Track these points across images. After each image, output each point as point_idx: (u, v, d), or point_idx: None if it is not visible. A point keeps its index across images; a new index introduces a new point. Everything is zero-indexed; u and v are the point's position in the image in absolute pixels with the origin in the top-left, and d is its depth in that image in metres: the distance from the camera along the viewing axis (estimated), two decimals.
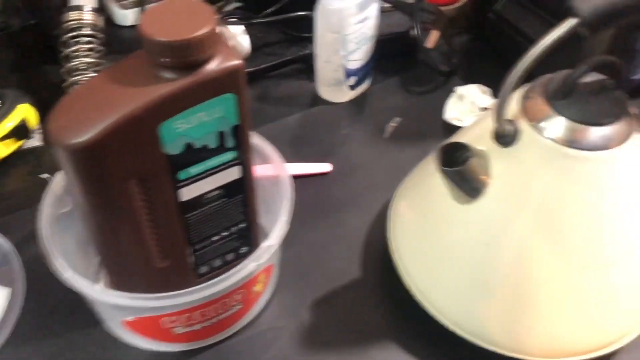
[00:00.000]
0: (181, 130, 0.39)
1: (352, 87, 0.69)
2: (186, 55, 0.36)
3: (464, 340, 0.46)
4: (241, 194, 0.46)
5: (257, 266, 0.43)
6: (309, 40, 0.74)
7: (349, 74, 0.67)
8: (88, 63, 0.61)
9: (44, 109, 0.64)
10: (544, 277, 0.42)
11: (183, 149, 0.40)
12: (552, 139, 0.40)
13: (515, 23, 0.68)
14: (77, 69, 0.61)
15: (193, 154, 0.41)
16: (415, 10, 0.70)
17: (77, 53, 0.61)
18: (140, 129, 0.37)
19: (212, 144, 0.41)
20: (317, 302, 0.52)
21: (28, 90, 0.64)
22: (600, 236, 0.41)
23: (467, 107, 0.66)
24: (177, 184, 0.42)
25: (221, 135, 0.41)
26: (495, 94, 0.67)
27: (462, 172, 0.41)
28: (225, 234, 0.48)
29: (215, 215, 0.46)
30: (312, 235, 0.56)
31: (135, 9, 0.79)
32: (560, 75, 0.41)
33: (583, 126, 0.39)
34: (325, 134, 0.66)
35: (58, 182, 0.47)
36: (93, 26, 0.62)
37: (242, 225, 0.49)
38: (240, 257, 0.52)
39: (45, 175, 0.53)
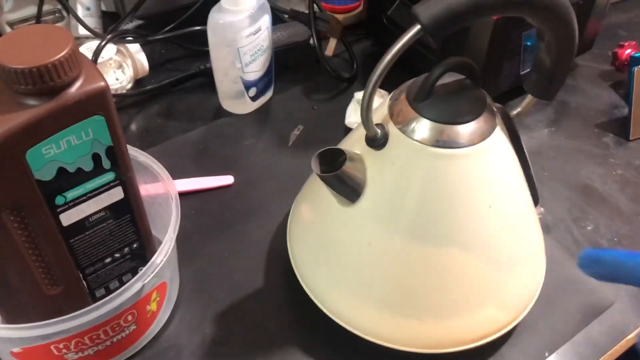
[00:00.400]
0: (50, 156, 0.39)
1: (254, 99, 0.69)
2: (44, 81, 0.36)
3: (360, 338, 0.47)
4: (128, 214, 0.46)
5: (144, 285, 0.42)
6: (209, 54, 0.74)
7: (247, 85, 0.67)
8: None
9: None
10: (424, 270, 0.44)
11: (55, 174, 0.40)
12: (418, 140, 0.41)
13: (407, 26, 0.70)
14: None
15: (68, 179, 0.41)
16: (311, 19, 0.71)
17: None
18: (4, 157, 0.37)
19: (87, 166, 0.41)
20: (221, 316, 0.52)
21: None
22: (473, 225, 0.43)
23: None
24: (56, 210, 0.41)
25: (96, 157, 0.41)
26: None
27: (339, 176, 0.43)
28: (118, 255, 0.48)
29: (103, 238, 0.46)
30: (214, 249, 0.57)
31: None
32: (420, 79, 0.43)
33: (445, 125, 0.41)
34: (228, 146, 0.67)
35: None
36: None
37: (135, 245, 0.49)
38: None
39: None
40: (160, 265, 0.43)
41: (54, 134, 0.38)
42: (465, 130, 0.41)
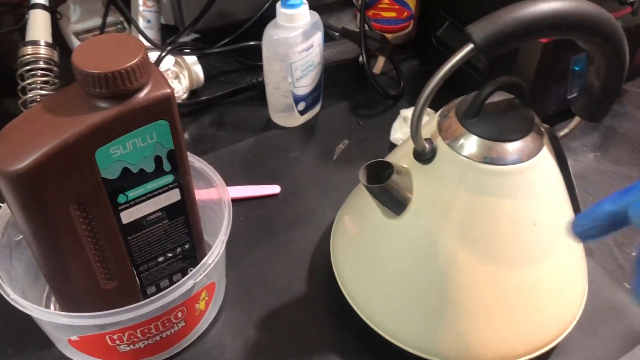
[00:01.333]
0: (117, 156, 0.41)
1: (302, 112, 0.72)
2: (117, 86, 0.39)
3: (398, 348, 0.48)
4: (183, 215, 0.49)
5: (195, 283, 0.44)
6: (261, 68, 0.77)
7: (297, 99, 0.69)
8: (42, 95, 0.64)
9: None
10: (468, 285, 0.45)
11: (120, 173, 0.42)
12: (466, 156, 0.43)
13: (456, 47, 0.71)
14: (33, 101, 0.64)
15: (131, 178, 0.43)
16: (361, 38, 0.73)
17: (32, 86, 0.64)
18: (76, 155, 0.40)
19: (149, 168, 0.44)
20: (263, 319, 0.53)
21: None
22: (517, 242, 0.44)
23: None
24: (117, 208, 0.44)
25: (158, 159, 0.44)
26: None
27: (385, 188, 0.44)
28: (170, 255, 0.50)
29: (159, 237, 0.48)
30: (259, 254, 0.59)
31: None
32: (470, 96, 0.44)
33: (493, 142, 0.42)
34: (276, 157, 0.69)
35: (7, 210, 0.49)
36: (48, 60, 0.64)
37: (187, 246, 0.51)
38: None
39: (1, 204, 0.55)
40: (211, 265, 0.45)
41: (121, 135, 0.41)
42: (513, 148, 0.42)
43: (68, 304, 0.49)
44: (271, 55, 0.66)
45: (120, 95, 0.39)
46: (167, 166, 0.45)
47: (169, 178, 0.45)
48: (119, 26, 0.84)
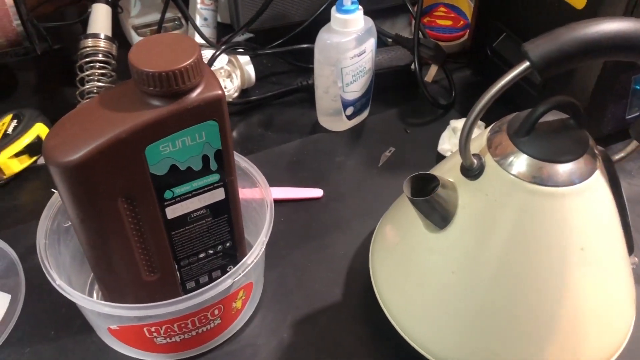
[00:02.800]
0: (166, 153, 0.42)
1: (350, 117, 0.71)
2: (170, 85, 0.39)
3: None
4: (226, 214, 0.49)
5: (234, 282, 0.45)
6: (312, 71, 0.77)
7: (346, 104, 0.69)
8: (99, 87, 0.66)
9: None
10: (507, 306, 0.44)
11: (168, 170, 0.43)
12: (515, 175, 0.42)
13: (511, 60, 0.70)
14: (90, 92, 0.66)
15: (178, 175, 0.44)
16: (415, 45, 0.73)
17: (90, 77, 0.66)
18: (126, 150, 0.41)
19: (196, 166, 0.44)
20: (298, 322, 0.54)
21: (46, 111, 0.69)
22: (562, 266, 0.43)
23: None
24: (163, 203, 0.45)
25: (205, 158, 0.44)
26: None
27: (430, 201, 0.43)
28: (211, 252, 0.51)
29: (201, 234, 0.49)
30: (298, 257, 0.59)
31: None
32: (523, 114, 0.43)
33: (544, 163, 0.41)
34: (321, 160, 0.69)
35: (58, 197, 0.51)
36: (107, 53, 0.66)
37: (228, 244, 0.52)
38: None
39: (54, 190, 0.57)
40: (251, 266, 0.46)
41: (172, 133, 0.41)
42: (565, 169, 0.41)
43: (110, 293, 0.50)
44: (323, 59, 0.66)
45: (173, 95, 0.40)
46: (213, 165, 0.45)
47: (215, 177, 0.46)
48: (176, 22, 0.86)
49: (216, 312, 0.47)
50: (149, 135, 0.41)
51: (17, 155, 0.64)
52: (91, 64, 0.66)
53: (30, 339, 0.52)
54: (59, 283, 0.44)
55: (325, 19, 0.66)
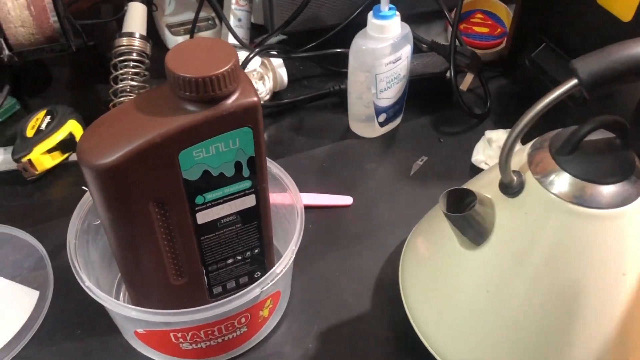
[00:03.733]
0: (199, 159, 0.42)
1: (382, 124, 0.70)
2: (206, 91, 0.39)
3: None
4: (256, 221, 0.49)
5: (262, 291, 0.44)
6: (345, 75, 0.76)
7: (379, 111, 0.68)
8: (132, 86, 0.66)
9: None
10: (541, 329, 0.42)
11: (200, 175, 0.43)
12: (556, 194, 0.40)
13: (550, 71, 0.68)
14: (123, 91, 0.66)
15: (210, 181, 0.44)
16: (451, 53, 0.71)
17: (124, 76, 0.66)
18: (160, 154, 0.40)
19: (229, 172, 0.44)
20: (324, 332, 0.53)
21: (79, 107, 0.69)
22: (602, 290, 0.41)
23: (495, 151, 0.67)
24: (194, 208, 0.45)
25: (238, 164, 0.44)
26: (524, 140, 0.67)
27: (466, 217, 0.42)
28: (239, 258, 0.50)
29: (230, 240, 0.49)
30: (326, 265, 0.58)
31: (186, 36, 0.83)
32: (567, 131, 0.42)
33: (587, 183, 0.40)
34: (351, 167, 0.68)
35: (88, 197, 0.51)
36: (141, 52, 0.66)
37: (257, 250, 0.51)
38: (254, 281, 0.54)
39: (85, 188, 0.57)
40: (280, 275, 0.45)
41: (206, 139, 0.41)
42: (608, 191, 0.40)
43: (138, 295, 0.50)
44: (357, 64, 0.65)
45: (208, 100, 0.40)
46: (246, 172, 0.45)
47: (246, 184, 0.45)
48: (209, 22, 0.86)
49: (243, 320, 0.47)
50: (183, 141, 0.40)
51: (49, 151, 0.64)
52: (125, 63, 0.66)
53: (57, 337, 0.52)
54: (88, 285, 0.44)
55: (358, 23, 0.65)
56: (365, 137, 0.72)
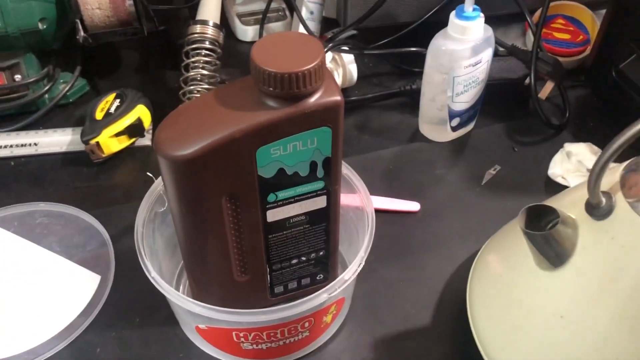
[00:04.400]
0: (276, 156, 0.40)
1: (455, 129, 0.68)
2: (291, 88, 0.37)
3: None
4: (324, 222, 0.47)
5: (329, 297, 0.43)
6: (417, 75, 0.74)
7: (452, 115, 0.66)
8: (203, 75, 0.65)
9: (158, 111, 0.68)
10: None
11: (275, 173, 0.41)
12: None
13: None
14: (193, 79, 0.65)
15: (284, 179, 0.42)
16: (532, 59, 0.68)
17: (195, 64, 0.65)
18: (238, 150, 0.39)
19: (303, 172, 0.42)
20: (385, 343, 0.51)
21: (146, 92, 0.69)
22: None
23: (574, 166, 0.63)
24: (265, 206, 0.43)
25: (313, 164, 0.42)
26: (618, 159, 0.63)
27: (546, 237, 0.40)
28: (304, 258, 0.49)
29: (297, 240, 0.47)
30: (390, 273, 0.56)
31: (255, 26, 0.82)
32: None
33: None
34: (419, 172, 0.66)
35: (159, 184, 0.50)
36: (213, 41, 0.65)
37: (322, 252, 0.50)
38: (315, 283, 0.53)
39: (150, 174, 0.57)
40: (348, 282, 0.43)
41: (285, 137, 0.40)
42: None
43: (199, 288, 0.49)
44: (435, 65, 0.62)
45: (292, 97, 0.38)
46: (320, 172, 0.43)
47: (319, 184, 0.44)
48: (279, 13, 0.85)
49: (306, 324, 0.45)
50: (263, 137, 0.39)
51: (117, 135, 0.64)
52: (197, 51, 0.65)
53: (116, 324, 0.52)
54: (154, 276, 0.44)
55: (433, 22, 0.63)
56: (434, 141, 0.69)
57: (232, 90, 0.41)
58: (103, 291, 0.53)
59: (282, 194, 0.43)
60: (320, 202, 0.45)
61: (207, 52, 0.65)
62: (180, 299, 0.42)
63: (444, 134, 0.68)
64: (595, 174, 0.38)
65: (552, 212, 0.41)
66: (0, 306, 0.52)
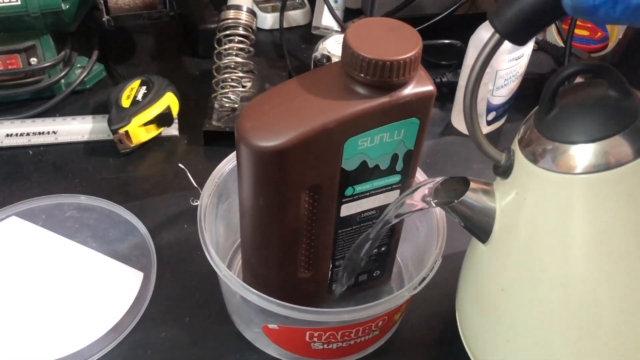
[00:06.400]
0: (362, 148, 0.39)
1: (489, 122, 0.67)
2: (390, 76, 0.36)
3: None
4: None
5: (410, 296, 0.41)
6: (447, 68, 0.73)
7: (490, 108, 0.65)
8: (237, 62, 0.62)
9: (181, 99, 0.65)
10: (568, 329, 0.38)
11: (358, 165, 0.40)
12: (543, 167, 0.36)
13: None
14: (227, 67, 0.62)
15: (365, 173, 0.40)
16: (566, 54, 0.68)
17: (229, 52, 0.62)
18: (328, 141, 0.37)
19: (384, 165, 0.41)
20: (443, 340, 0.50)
21: (167, 78, 0.66)
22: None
23: None
24: (342, 199, 0.42)
25: (394, 157, 0.41)
26: None
27: (455, 208, 0.39)
28: None
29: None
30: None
31: (274, 14, 0.80)
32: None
33: (574, 146, 0.35)
34: (458, 166, 0.65)
35: (215, 175, 0.47)
36: (247, 27, 0.63)
37: (383, 248, 0.48)
38: (372, 280, 0.51)
39: (182, 166, 0.54)
40: (427, 280, 0.42)
41: (375, 128, 0.38)
42: (599, 149, 0.34)
43: (258, 284, 0.46)
44: None
45: (386, 87, 0.36)
46: (399, 166, 0.42)
47: (396, 178, 0.42)
48: (297, 1, 0.82)
49: (380, 323, 0.44)
50: (354, 128, 0.37)
51: (145, 124, 0.61)
52: (230, 37, 0.62)
53: (164, 323, 0.49)
54: (225, 273, 0.41)
55: (456, 15, 0.61)
56: (466, 134, 0.68)
57: (317, 77, 0.39)
58: (147, 289, 0.50)
59: (360, 188, 0.42)
60: (393, 197, 0.44)
61: (240, 38, 0.62)
62: (261, 300, 0.40)
63: None
64: (472, 131, 0.38)
65: (464, 183, 0.40)
66: (41, 306, 0.49)
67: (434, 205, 0.41)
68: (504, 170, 0.40)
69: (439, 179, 0.42)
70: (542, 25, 0.34)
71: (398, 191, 0.44)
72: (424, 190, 0.41)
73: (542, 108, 0.38)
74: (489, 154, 0.39)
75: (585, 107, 0.36)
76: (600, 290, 0.37)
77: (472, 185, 0.40)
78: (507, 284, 0.40)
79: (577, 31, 0.81)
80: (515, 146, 0.39)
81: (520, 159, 0.38)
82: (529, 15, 0.33)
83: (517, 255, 0.39)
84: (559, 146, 0.36)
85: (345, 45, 0.36)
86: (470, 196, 0.39)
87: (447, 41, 0.71)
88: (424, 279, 0.42)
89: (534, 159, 0.37)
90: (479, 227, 0.40)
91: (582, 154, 0.35)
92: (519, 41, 0.35)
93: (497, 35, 0.35)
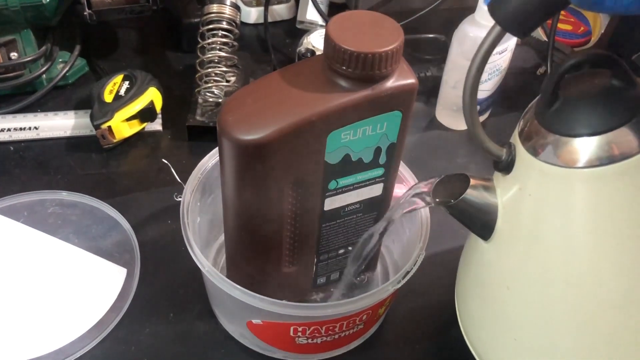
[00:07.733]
0: (345, 141, 0.39)
1: None
2: (372, 69, 0.36)
3: None
4: (376, 211, 0.46)
5: (393, 290, 0.41)
6: (431, 62, 0.73)
7: None
8: (220, 57, 0.62)
9: (165, 94, 0.65)
10: (574, 328, 0.38)
11: (341, 159, 0.40)
12: (546, 161, 0.35)
13: None
14: (211, 62, 0.62)
15: (348, 166, 0.40)
16: (549, 48, 0.68)
17: (212, 46, 0.62)
18: (311, 134, 0.37)
19: (367, 158, 0.41)
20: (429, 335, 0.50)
21: (150, 73, 0.65)
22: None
23: None
24: (325, 193, 0.42)
25: (377, 150, 0.41)
26: None
27: (456, 207, 0.39)
28: (351, 248, 0.47)
29: (347, 229, 0.46)
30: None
31: (259, 8, 0.79)
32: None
33: (578, 139, 0.34)
34: (441, 160, 0.65)
35: (198, 170, 0.47)
36: (231, 21, 0.62)
37: None
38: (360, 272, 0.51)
39: (165, 161, 0.54)
40: (411, 274, 0.42)
41: (358, 121, 0.38)
42: (602, 142, 0.33)
43: (242, 280, 0.46)
44: (460, 52, 0.62)
45: (369, 79, 0.36)
46: (382, 159, 0.42)
47: (379, 171, 0.42)
48: None
49: (364, 317, 0.44)
50: (337, 121, 0.37)
51: (128, 119, 0.60)
52: (214, 32, 0.62)
53: (148, 319, 0.48)
54: (208, 269, 0.41)
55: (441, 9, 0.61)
56: (451, 129, 0.69)
57: (299, 70, 0.39)
58: (130, 285, 0.50)
59: (344, 181, 0.41)
60: (376, 190, 0.44)
61: (224, 32, 0.62)
62: (244, 295, 0.39)
63: (462, 122, 0.67)
64: (470, 126, 0.37)
65: (464, 180, 0.39)
66: (23, 303, 0.48)
67: (434, 204, 0.40)
68: (506, 166, 0.38)
69: (439, 178, 0.41)
70: (545, 17, 0.33)
71: (381, 185, 0.44)
72: (424, 188, 0.41)
73: (543, 100, 0.37)
74: (490, 150, 0.38)
75: (588, 99, 0.35)
76: (605, 283, 0.36)
77: (472, 182, 0.39)
78: (512, 281, 0.39)
79: (560, 25, 0.81)
80: (516, 140, 0.38)
81: (521, 153, 0.37)
82: (532, 7, 0.32)
83: (522, 252, 0.38)
84: (562, 139, 0.35)
85: (327, 38, 0.36)
86: (471, 193, 0.39)
87: (431, 35, 0.71)
88: (407, 272, 0.42)
89: (535, 152, 0.36)
90: (481, 224, 0.39)
91: (586, 147, 0.34)
92: (521, 33, 0.34)
93: (498, 28, 0.34)
